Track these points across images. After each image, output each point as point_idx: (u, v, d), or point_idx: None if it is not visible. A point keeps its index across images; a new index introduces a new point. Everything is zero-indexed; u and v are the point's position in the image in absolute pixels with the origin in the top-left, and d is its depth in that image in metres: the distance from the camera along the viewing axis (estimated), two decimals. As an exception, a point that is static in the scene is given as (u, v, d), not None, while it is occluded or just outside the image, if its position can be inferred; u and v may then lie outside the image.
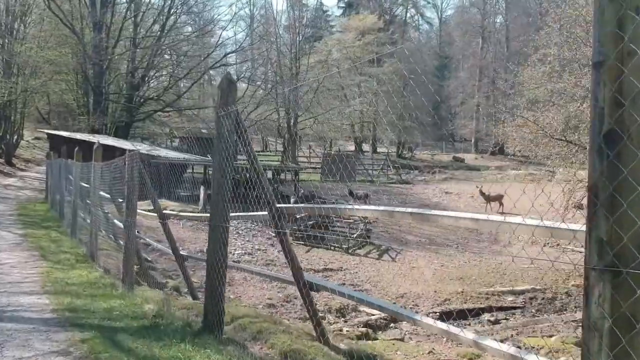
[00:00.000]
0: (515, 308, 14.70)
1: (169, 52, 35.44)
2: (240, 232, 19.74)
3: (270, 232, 20.15)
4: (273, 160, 42.59)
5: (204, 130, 50.35)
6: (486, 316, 14.04)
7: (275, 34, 44.61)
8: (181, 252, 7.18)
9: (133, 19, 33.99)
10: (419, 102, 63.47)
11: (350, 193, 26.09)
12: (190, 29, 40.62)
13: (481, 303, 14.67)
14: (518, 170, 44.69)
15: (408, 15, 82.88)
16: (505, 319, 14.00)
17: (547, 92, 26.73)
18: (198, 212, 19.67)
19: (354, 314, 13.32)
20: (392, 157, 53.80)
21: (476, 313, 13.99)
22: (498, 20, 73.49)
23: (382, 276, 16.05)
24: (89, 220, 14.37)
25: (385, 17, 63.57)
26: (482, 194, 27.36)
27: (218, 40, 42.10)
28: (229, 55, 40.70)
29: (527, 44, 64.39)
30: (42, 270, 8.79)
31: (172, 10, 34.47)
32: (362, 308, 13.50)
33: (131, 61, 33.40)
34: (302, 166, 39.60)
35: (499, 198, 26.73)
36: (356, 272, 16.25)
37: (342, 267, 16.64)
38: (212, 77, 56.69)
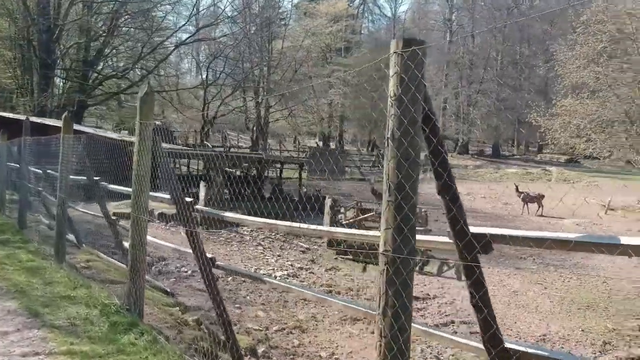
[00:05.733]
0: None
1: (132, 22, 29.35)
2: (262, 243, 14.77)
3: (301, 244, 15.29)
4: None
5: (157, 122, 44.41)
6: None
7: (247, 15, 39.56)
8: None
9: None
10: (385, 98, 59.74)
11: (374, 192, 21.46)
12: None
13: (647, 346, 10.46)
14: (512, 169, 41.83)
15: (364, 7, 79.42)
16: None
17: (592, 76, 23.24)
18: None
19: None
20: (364, 155, 50.03)
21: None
22: (455, 15, 70.53)
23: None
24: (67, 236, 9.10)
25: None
26: (519, 193, 23.45)
27: (192, 11, 36.56)
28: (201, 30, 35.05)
29: (493, 38, 62.51)
30: (53, 364, 3.76)
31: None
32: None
33: (86, 31, 27.12)
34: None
35: (539, 199, 22.85)
36: (452, 302, 11.65)
37: (428, 294, 12.01)
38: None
